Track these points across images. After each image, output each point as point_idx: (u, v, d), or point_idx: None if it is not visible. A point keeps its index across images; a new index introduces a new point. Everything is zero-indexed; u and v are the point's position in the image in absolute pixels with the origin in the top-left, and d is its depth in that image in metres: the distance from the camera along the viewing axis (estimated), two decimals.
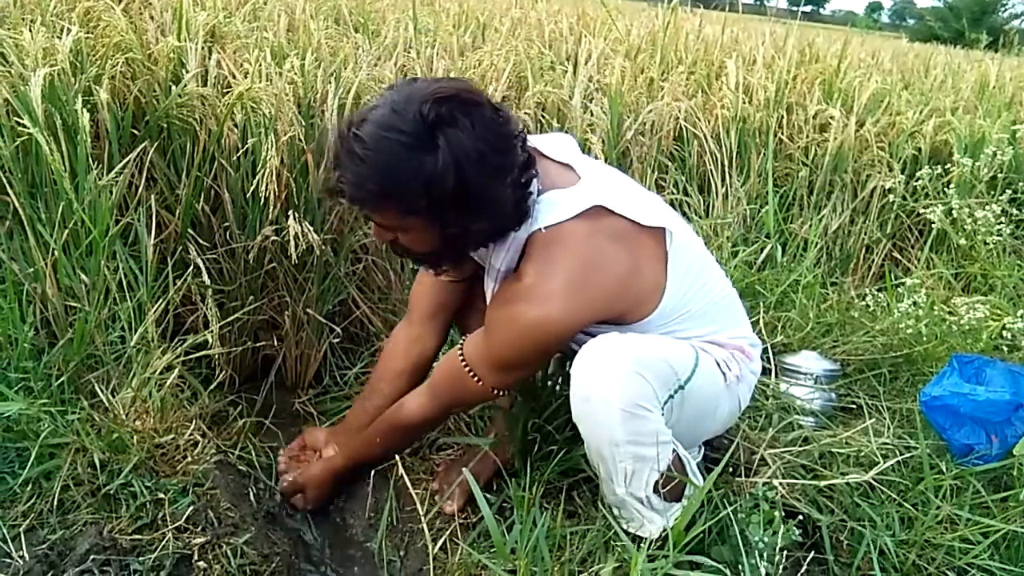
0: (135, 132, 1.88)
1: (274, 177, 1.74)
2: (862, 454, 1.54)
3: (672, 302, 1.29)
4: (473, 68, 2.57)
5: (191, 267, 1.74)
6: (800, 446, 1.56)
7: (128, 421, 1.41)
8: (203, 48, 1.99)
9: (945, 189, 2.44)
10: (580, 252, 1.19)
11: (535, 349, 1.22)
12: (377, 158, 1.09)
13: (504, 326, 1.22)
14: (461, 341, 1.34)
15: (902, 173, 2.73)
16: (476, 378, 1.28)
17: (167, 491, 1.32)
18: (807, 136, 2.80)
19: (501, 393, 1.31)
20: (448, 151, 1.08)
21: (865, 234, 2.73)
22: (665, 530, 1.21)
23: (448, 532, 1.42)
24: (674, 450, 1.23)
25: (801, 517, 1.39)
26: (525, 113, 2.38)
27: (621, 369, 1.14)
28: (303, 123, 1.88)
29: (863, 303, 2.11)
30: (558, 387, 1.42)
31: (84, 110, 1.58)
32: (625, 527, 1.27)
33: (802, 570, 1.21)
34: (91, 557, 1.19)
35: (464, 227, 1.16)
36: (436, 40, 2.79)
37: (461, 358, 1.30)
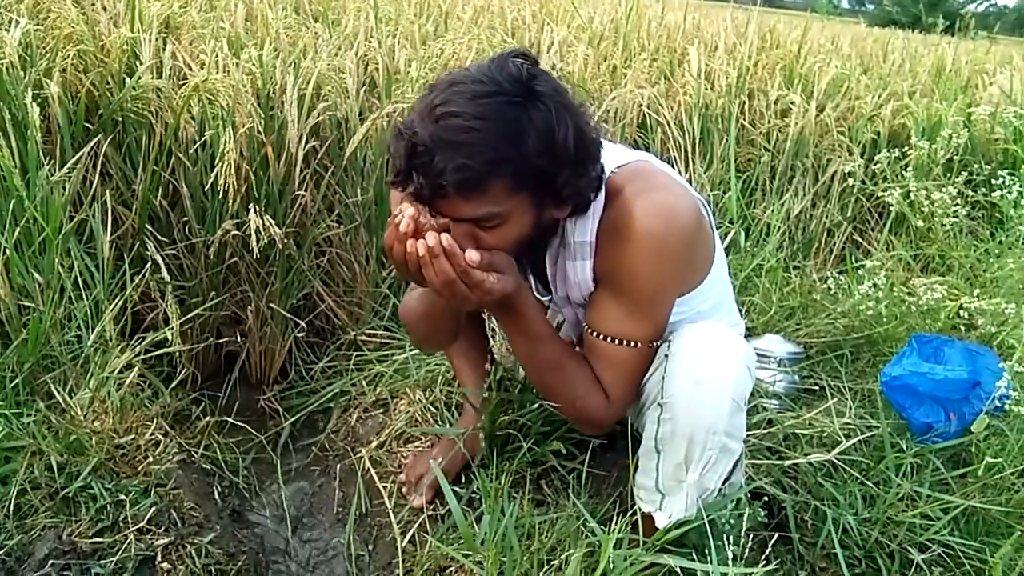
0: (88, 126, 1.83)
1: (233, 170, 1.71)
2: (825, 434, 1.56)
3: (713, 279, 1.26)
4: (435, 57, 2.55)
5: (149, 263, 1.71)
6: (765, 428, 1.57)
7: (86, 422, 1.38)
8: (157, 39, 1.95)
9: (903, 172, 2.47)
10: (663, 171, 1.20)
11: (683, 245, 1.14)
12: (487, 125, 0.99)
13: (638, 253, 1.12)
14: (589, 331, 1.20)
15: (861, 157, 2.76)
16: (633, 343, 1.16)
17: (128, 492, 1.29)
18: (769, 121, 2.83)
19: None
20: (552, 100, 1.04)
21: (826, 218, 2.77)
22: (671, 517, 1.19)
23: (417, 525, 1.41)
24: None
25: (766, 498, 1.41)
26: None
27: (738, 360, 1.12)
28: (262, 115, 1.86)
29: (825, 286, 2.13)
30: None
31: (34, 104, 1.54)
32: (643, 506, 1.23)
33: (767, 550, 1.22)
34: (50, 562, 1.17)
35: (575, 187, 1.08)
36: (397, 29, 2.77)
37: (610, 339, 1.17)
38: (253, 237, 1.69)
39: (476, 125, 0.99)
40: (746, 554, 1.20)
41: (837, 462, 1.45)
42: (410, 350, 1.85)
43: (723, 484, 1.18)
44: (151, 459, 1.40)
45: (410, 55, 2.43)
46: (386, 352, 1.89)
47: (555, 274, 1.25)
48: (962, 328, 1.93)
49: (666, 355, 1.16)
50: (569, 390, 1.21)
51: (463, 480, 1.49)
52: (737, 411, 1.13)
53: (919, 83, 3.51)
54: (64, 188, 1.60)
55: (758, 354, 1.83)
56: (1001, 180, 2.11)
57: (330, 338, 2.06)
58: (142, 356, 1.55)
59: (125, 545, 1.22)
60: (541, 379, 1.24)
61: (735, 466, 1.19)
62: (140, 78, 1.82)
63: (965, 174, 2.57)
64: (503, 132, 1.00)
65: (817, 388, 1.80)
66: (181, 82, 1.90)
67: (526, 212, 1.08)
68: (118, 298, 1.58)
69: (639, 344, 1.16)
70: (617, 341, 1.17)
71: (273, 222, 1.74)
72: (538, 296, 1.30)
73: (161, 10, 2.09)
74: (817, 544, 1.37)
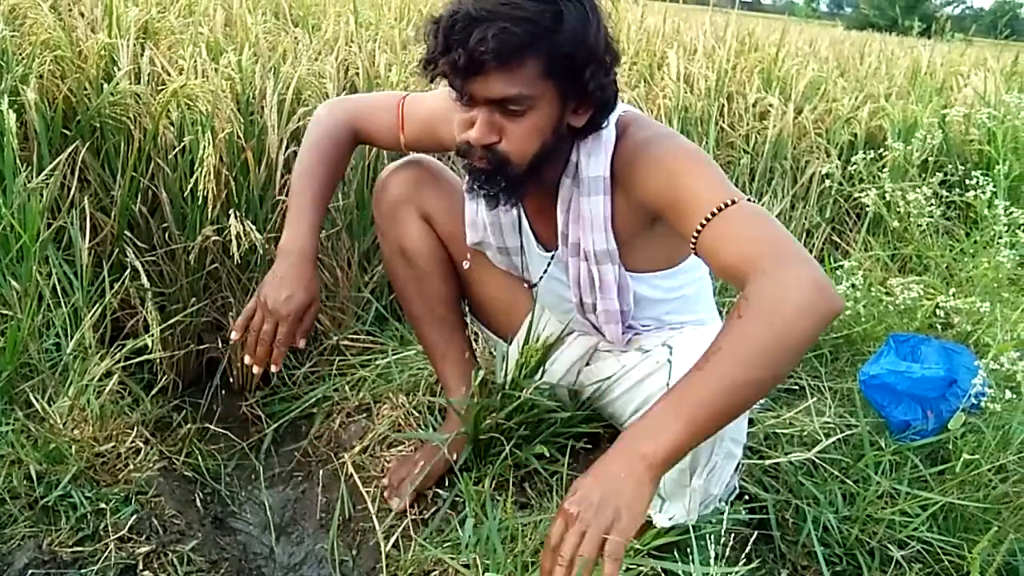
0: (66, 132, 1.82)
1: (213, 175, 1.71)
2: (805, 433, 1.58)
3: (696, 261, 1.24)
4: (416, 61, 2.55)
5: (129, 270, 1.70)
6: (746, 428, 1.59)
7: (66, 430, 1.37)
8: (135, 45, 1.94)
9: (880, 173, 2.51)
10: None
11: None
12: (527, 3, 1.03)
13: (668, 148, 1.13)
14: (697, 233, 1.05)
15: (839, 158, 2.79)
16: (729, 201, 1.04)
17: (108, 500, 1.29)
18: (747, 124, 2.85)
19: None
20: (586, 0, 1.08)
21: (805, 219, 2.79)
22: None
23: (400, 529, 1.41)
24: None
25: (748, 497, 1.42)
26: None
27: None
28: (241, 120, 1.85)
29: None
30: (516, 389, 1.42)
31: (10, 111, 1.53)
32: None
33: (748, 548, 1.23)
34: (30, 572, 1.16)
35: (599, 83, 1.09)
36: (378, 33, 2.77)
37: (714, 213, 1.03)
38: (234, 243, 1.68)
39: (517, 1, 1.02)
40: (727, 552, 1.21)
41: (817, 461, 1.47)
42: (393, 354, 1.85)
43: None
44: (132, 467, 1.39)
45: (390, 59, 2.43)
46: (369, 356, 1.88)
47: (567, 218, 1.23)
48: (939, 327, 1.95)
49: (669, 360, 1.16)
50: (769, 341, 0.92)
51: (446, 483, 1.49)
52: (742, 417, 1.13)
53: (895, 85, 3.55)
54: (41, 195, 1.58)
55: None
56: (975, 180, 2.14)
57: (312, 343, 2.05)
58: (122, 363, 1.54)
59: (106, 554, 1.21)
60: (754, 374, 0.92)
61: (735, 471, 1.20)
62: (118, 84, 1.81)
63: (940, 175, 2.60)
64: (542, 10, 1.03)
65: (797, 388, 1.81)
66: (160, 87, 1.89)
67: (551, 104, 1.08)
68: (97, 305, 1.57)
69: (735, 200, 1.04)
70: (719, 207, 1.03)
71: (254, 227, 1.73)
72: (540, 253, 1.32)
73: (139, 16, 2.08)
74: (798, 542, 1.38)
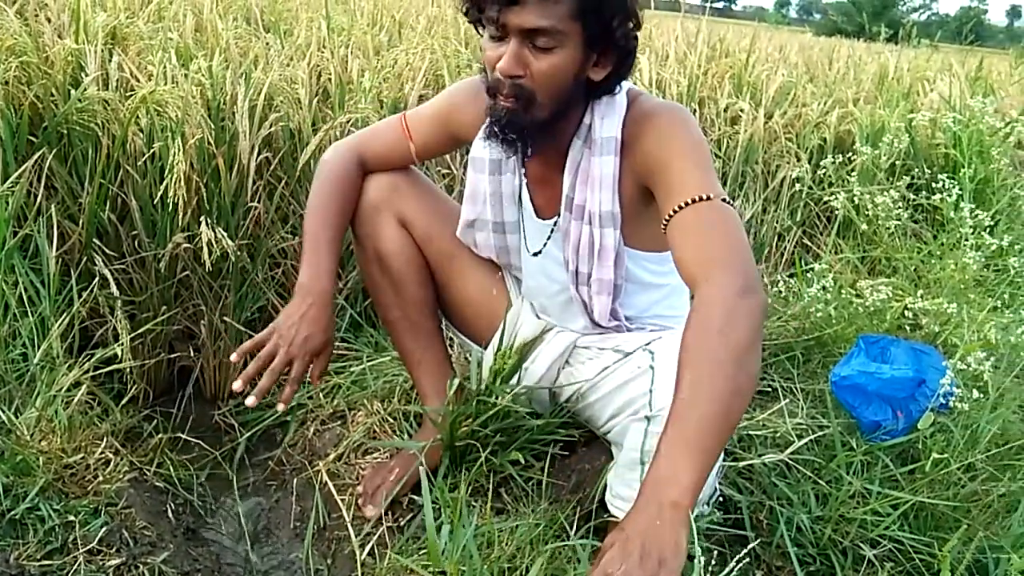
0: (32, 139, 1.79)
1: (183, 182, 1.69)
2: (778, 435, 1.59)
3: None
4: (389, 67, 2.55)
5: (97, 278, 1.67)
6: None
7: (33, 442, 1.35)
8: (103, 50, 1.91)
9: (848, 177, 2.54)
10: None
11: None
12: None
13: (672, 122, 1.20)
14: (672, 213, 1.14)
15: (809, 163, 2.83)
16: (708, 196, 1.12)
17: (77, 513, 1.26)
18: (719, 129, 2.88)
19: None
20: None
21: (777, 222, 2.83)
22: None
23: (376, 538, 1.40)
24: None
25: (722, 499, 1.43)
26: None
27: None
28: (212, 126, 1.83)
29: (776, 289, 2.18)
30: (491, 395, 1.41)
31: None
32: (621, 515, 1.20)
33: (723, 548, 1.24)
34: None
35: (624, 32, 1.15)
36: (351, 39, 2.76)
37: (691, 200, 1.12)
38: (205, 250, 1.66)
39: None
40: (702, 553, 1.22)
41: (790, 462, 1.48)
42: (368, 360, 1.84)
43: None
44: (101, 478, 1.37)
45: (363, 65, 2.42)
46: (343, 364, 1.87)
47: (574, 180, 1.27)
48: (907, 328, 1.98)
49: (651, 366, 1.17)
50: (738, 352, 0.97)
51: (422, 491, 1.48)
52: None
53: (863, 90, 3.61)
54: (7, 203, 1.56)
55: None
56: (941, 184, 2.18)
57: None
58: (91, 373, 1.51)
59: (75, 567, 1.19)
60: (732, 384, 0.97)
61: (716, 474, 1.20)
62: (86, 90, 1.78)
63: (907, 178, 2.65)
64: None
65: (770, 390, 1.83)
66: (128, 94, 1.87)
67: (576, 48, 1.14)
68: (65, 314, 1.55)
69: (713, 197, 1.12)
70: (696, 198, 1.11)
71: (225, 234, 1.71)
72: (539, 222, 1.34)
73: (107, 21, 2.06)
74: (772, 543, 1.39)
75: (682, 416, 0.95)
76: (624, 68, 1.21)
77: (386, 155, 1.44)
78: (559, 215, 1.32)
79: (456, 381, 1.38)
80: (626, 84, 1.25)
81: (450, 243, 1.45)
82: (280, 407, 1.30)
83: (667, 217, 1.13)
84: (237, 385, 1.25)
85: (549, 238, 1.35)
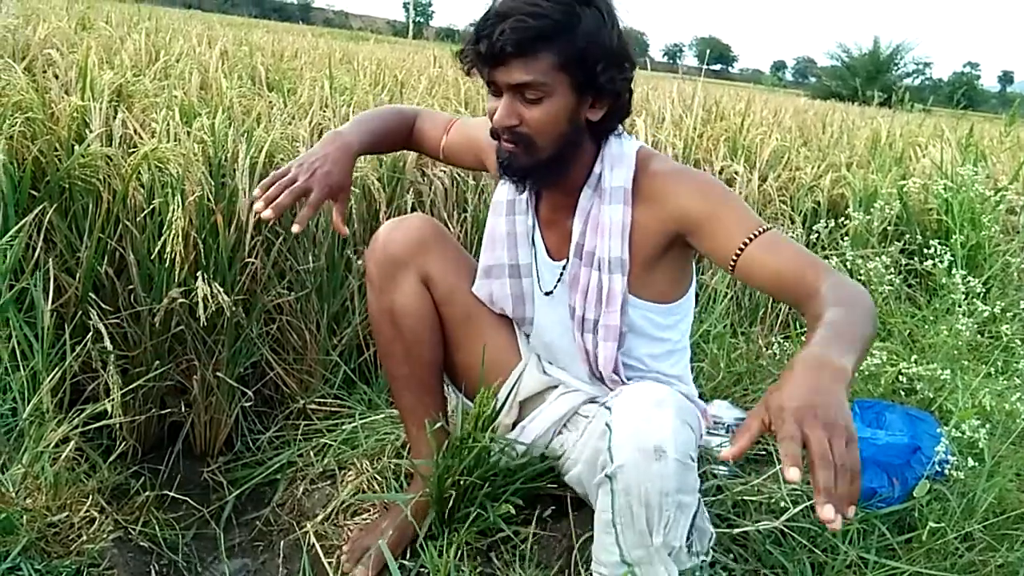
0: (34, 193, 1.81)
1: (181, 238, 1.70)
2: (773, 500, 1.57)
3: (689, 303, 1.40)
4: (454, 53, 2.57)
5: (91, 332, 1.67)
6: (714, 495, 1.58)
7: (18, 499, 1.33)
8: (108, 107, 1.95)
9: (842, 240, 2.56)
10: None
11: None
12: (548, 5, 1.17)
13: (694, 179, 1.29)
14: (735, 258, 1.22)
15: (803, 226, 2.86)
16: (761, 230, 1.21)
17: (59, 573, 1.24)
18: None
19: None
20: (603, 5, 1.21)
21: None
22: None
23: None
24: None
25: (718, 567, 1.40)
26: (442, 171, 2.40)
27: (670, 418, 1.12)
28: (212, 183, 1.86)
29: (771, 352, 2.18)
30: (475, 441, 1.40)
31: None
32: None
33: None
34: None
35: (611, 78, 1.21)
36: (353, 98, 2.81)
37: (749, 240, 1.20)
38: (200, 305, 1.67)
39: (539, 1, 1.17)
40: None
41: (785, 529, 1.46)
42: (360, 418, 1.83)
43: (689, 532, 1.16)
44: (85, 537, 1.35)
45: None
46: (335, 421, 1.86)
47: (584, 228, 1.33)
48: (902, 393, 1.98)
49: (607, 423, 1.16)
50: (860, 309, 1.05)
51: (409, 555, 1.46)
52: (685, 469, 1.12)
53: (856, 155, 3.67)
54: (5, 256, 1.57)
55: None
56: (934, 249, 2.20)
57: (279, 407, 2.02)
58: (80, 428, 1.50)
59: None
60: (870, 331, 1.04)
61: (695, 515, 1.19)
62: (89, 146, 1.81)
63: (899, 243, 2.67)
64: (560, 12, 1.17)
65: (764, 454, 1.82)
66: (131, 150, 1.90)
67: (566, 95, 1.21)
68: (57, 369, 1.54)
69: (767, 229, 1.22)
70: (756, 233, 1.20)
71: (221, 289, 1.72)
72: (551, 263, 1.40)
73: (113, 79, 2.10)
74: None
75: (839, 330, 0.98)
76: (620, 108, 1.28)
77: (426, 135, 1.58)
78: (568, 259, 1.36)
79: (439, 423, 1.37)
80: (636, 143, 1.33)
81: (470, 303, 1.46)
82: (295, 228, 1.29)
83: (735, 256, 1.20)
84: (259, 205, 1.27)
85: (560, 279, 1.39)
